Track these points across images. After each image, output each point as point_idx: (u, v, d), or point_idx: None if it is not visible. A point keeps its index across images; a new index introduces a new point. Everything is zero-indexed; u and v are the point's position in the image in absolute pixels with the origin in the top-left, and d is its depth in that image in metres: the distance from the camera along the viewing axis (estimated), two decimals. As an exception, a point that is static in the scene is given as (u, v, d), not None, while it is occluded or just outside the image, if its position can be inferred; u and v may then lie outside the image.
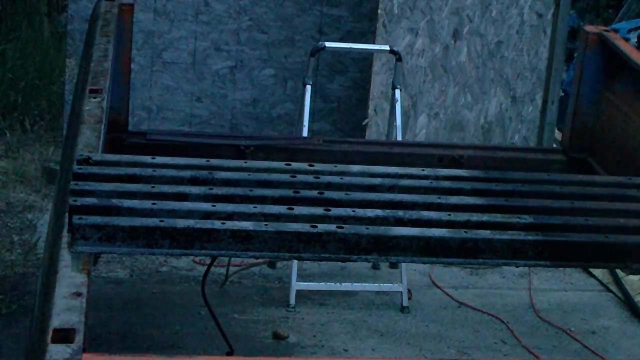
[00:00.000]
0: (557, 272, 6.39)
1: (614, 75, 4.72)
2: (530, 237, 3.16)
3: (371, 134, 6.40)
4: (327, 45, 5.99)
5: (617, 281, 6.15)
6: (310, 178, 3.45)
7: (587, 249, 3.21)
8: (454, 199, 3.39)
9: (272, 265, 6.14)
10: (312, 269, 6.11)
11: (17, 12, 9.78)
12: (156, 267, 6.02)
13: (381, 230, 3.10)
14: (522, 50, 7.07)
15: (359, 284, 5.87)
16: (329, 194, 3.34)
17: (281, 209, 3.16)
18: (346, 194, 3.35)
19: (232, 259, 5.75)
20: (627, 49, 4.64)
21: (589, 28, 4.86)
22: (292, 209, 3.17)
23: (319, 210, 3.18)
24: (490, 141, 7.01)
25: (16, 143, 7.73)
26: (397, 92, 5.88)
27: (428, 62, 6.62)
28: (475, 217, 3.25)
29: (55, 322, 2.45)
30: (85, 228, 2.91)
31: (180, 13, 6.98)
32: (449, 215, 3.24)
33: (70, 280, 2.68)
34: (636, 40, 10.13)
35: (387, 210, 3.24)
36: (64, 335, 2.40)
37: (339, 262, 5.88)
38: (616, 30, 7.90)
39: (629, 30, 10.28)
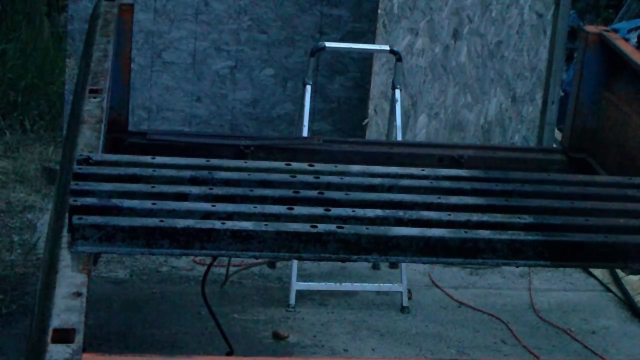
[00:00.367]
0: (557, 272, 6.39)
1: (614, 75, 4.72)
2: (530, 237, 3.16)
3: (371, 134, 6.40)
4: (327, 45, 5.99)
5: (617, 281, 6.15)
6: (310, 178, 3.45)
7: (587, 249, 3.21)
8: (454, 199, 3.39)
9: (272, 265, 6.14)
10: (312, 269, 6.11)
11: (17, 12, 9.78)
12: (156, 267, 6.02)
13: (381, 230, 3.10)
14: (522, 50, 7.07)
15: (359, 284, 5.87)
16: (329, 194, 3.34)
17: (281, 209, 3.16)
18: (346, 194, 3.35)
19: (232, 259, 5.75)
20: (627, 49, 4.64)
21: (589, 28, 4.86)
22: (292, 209, 3.17)
23: (319, 210, 3.18)
24: (490, 141, 7.01)
25: (16, 143, 7.73)
26: (397, 92, 5.88)
27: (428, 62, 6.63)
28: (475, 217, 3.25)
29: (55, 322, 2.45)
30: (85, 228, 2.91)
31: (180, 13, 6.98)
32: (449, 215, 3.24)
33: (70, 280, 2.68)
34: (636, 40, 10.13)
35: (387, 210, 3.24)
36: (64, 335, 2.40)
37: (339, 262, 5.89)
38: (616, 30, 7.91)
39: (629, 30, 10.28)
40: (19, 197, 6.86)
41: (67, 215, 2.98)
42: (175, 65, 7.05)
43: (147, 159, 3.51)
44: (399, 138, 5.82)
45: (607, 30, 4.84)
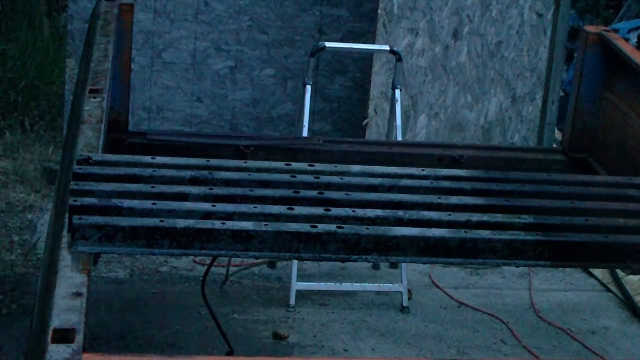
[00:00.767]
0: (557, 272, 6.39)
1: (614, 75, 4.72)
2: (530, 237, 3.16)
3: (371, 134, 6.40)
4: (327, 45, 5.99)
5: (617, 281, 6.15)
6: (310, 178, 3.45)
7: (587, 249, 3.21)
8: (454, 199, 3.39)
9: (272, 265, 6.14)
10: (312, 269, 6.11)
11: (17, 12, 9.78)
12: (156, 267, 6.02)
13: (381, 230, 3.10)
14: (522, 50, 7.07)
15: (359, 284, 5.87)
16: (329, 194, 3.34)
17: (281, 209, 3.16)
18: (346, 194, 3.35)
19: (232, 259, 5.75)
20: (627, 49, 4.64)
21: (589, 28, 4.86)
22: (292, 209, 3.17)
23: (319, 210, 3.18)
24: (490, 141, 7.01)
25: (16, 143, 7.73)
26: (397, 92, 5.88)
27: (428, 62, 6.63)
28: (475, 217, 3.25)
29: (55, 322, 2.45)
30: (85, 228, 2.91)
31: (180, 13, 6.98)
32: (449, 215, 3.24)
33: (70, 280, 2.68)
34: (636, 40, 10.14)
35: (387, 210, 3.24)
36: (64, 335, 2.40)
37: (339, 262, 5.89)
38: (616, 30, 7.91)
39: (629, 30, 10.28)
40: (19, 197, 6.86)
41: (67, 215, 2.98)
42: (175, 65, 7.05)
43: (147, 159, 3.51)
44: (399, 138, 5.82)
45: (607, 30, 4.84)
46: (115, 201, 3.07)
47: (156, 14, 6.95)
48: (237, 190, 3.28)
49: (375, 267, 6.25)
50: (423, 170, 3.66)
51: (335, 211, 3.19)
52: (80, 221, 2.92)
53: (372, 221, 3.17)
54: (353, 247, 3.06)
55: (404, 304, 5.73)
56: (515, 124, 7.18)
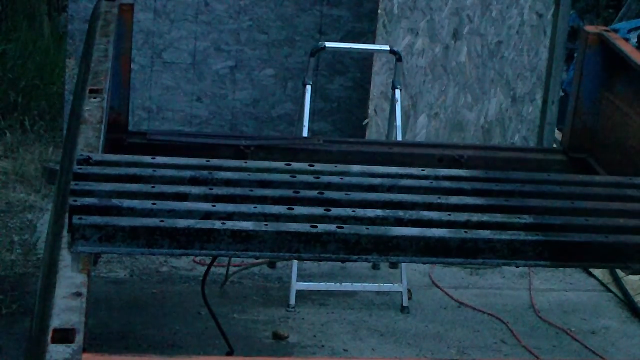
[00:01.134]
0: (557, 272, 6.39)
1: (614, 75, 4.72)
2: (530, 237, 3.16)
3: (371, 134, 6.40)
4: (327, 45, 5.99)
5: (617, 281, 6.15)
6: (310, 178, 3.45)
7: (587, 249, 3.21)
8: (454, 199, 3.39)
9: (272, 265, 6.14)
10: (312, 269, 6.11)
11: (17, 12, 9.78)
12: (156, 267, 6.02)
13: (381, 230, 3.10)
14: (522, 50, 7.07)
15: (359, 284, 5.87)
16: (329, 194, 3.34)
17: (281, 209, 3.16)
18: (346, 194, 3.35)
19: (232, 259, 5.75)
20: (627, 49, 4.64)
21: (589, 28, 4.86)
22: (292, 209, 3.17)
23: (319, 210, 3.18)
24: (490, 141, 7.01)
25: (16, 143, 7.73)
26: (397, 92, 5.88)
27: (428, 62, 6.63)
28: (475, 217, 3.25)
29: (55, 322, 2.45)
30: (85, 228, 2.91)
31: (180, 13, 6.98)
32: (449, 215, 3.24)
33: (70, 280, 2.68)
34: (636, 40, 10.14)
35: (387, 210, 3.24)
36: (64, 335, 2.40)
37: (339, 262, 5.89)
38: (616, 30, 7.91)
39: (629, 30, 10.29)
40: (19, 197, 6.86)
41: (67, 215, 2.98)
42: (175, 65, 7.05)
43: (147, 159, 3.51)
44: (399, 138, 5.82)
45: (607, 30, 4.84)
46: (115, 201, 3.07)
47: (156, 14, 6.96)
48: (237, 190, 3.29)
49: (375, 267, 6.25)
50: (423, 170, 3.66)
51: (335, 211, 3.19)
52: (80, 221, 2.92)
53: (372, 221, 3.17)
54: (353, 247, 3.06)
55: (404, 304, 5.73)
56: (515, 124, 7.18)
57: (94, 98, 3.78)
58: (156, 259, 6.04)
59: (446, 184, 3.55)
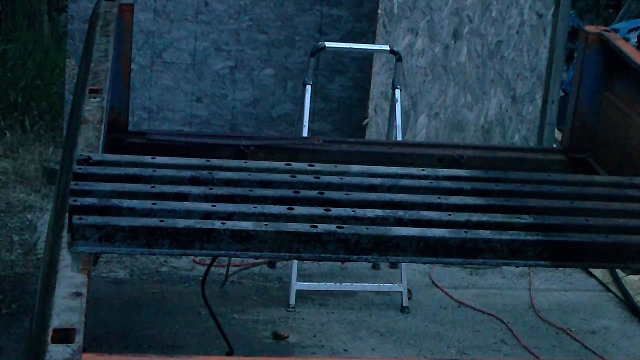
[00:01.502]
0: (557, 272, 6.39)
1: (614, 75, 4.72)
2: (530, 237, 3.16)
3: (371, 134, 6.40)
4: (327, 45, 5.99)
5: (617, 281, 6.15)
6: (310, 178, 3.45)
7: (587, 249, 3.21)
8: (454, 199, 3.39)
9: (272, 265, 6.14)
10: (312, 269, 6.11)
11: (17, 12, 9.78)
12: (156, 267, 6.02)
13: (381, 230, 3.10)
14: (522, 50, 7.07)
15: (359, 284, 5.87)
16: (329, 194, 3.34)
17: (281, 209, 3.16)
18: (346, 194, 3.35)
19: (232, 259, 5.75)
20: (627, 49, 4.64)
21: (589, 28, 4.85)
22: (292, 209, 3.17)
23: (319, 210, 3.18)
24: (490, 141, 7.01)
25: (16, 143, 7.73)
26: (397, 92, 5.88)
27: (428, 62, 6.63)
28: (475, 217, 3.24)
29: (55, 322, 2.45)
30: (85, 228, 2.91)
31: (180, 13, 6.98)
32: (449, 215, 3.24)
33: (70, 280, 2.68)
34: (636, 40, 10.14)
35: (387, 210, 3.24)
36: (64, 335, 2.40)
37: (339, 262, 5.90)
38: (616, 30, 7.91)
39: (629, 30, 10.29)
40: (19, 197, 6.86)
41: (67, 215, 2.98)
42: (175, 65, 7.05)
43: (147, 159, 3.51)
44: (399, 138, 5.82)
45: (607, 30, 4.84)
46: (115, 201, 3.07)
47: (156, 14, 6.96)
48: (237, 190, 3.28)
49: (375, 267, 6.25)
50: (423, 170, 3.66)
51: (335, 211, 3.19)
52: (80, 221, 2.92)
53: (372, 221, 3.17)
54: (353, 247, 3.06)
55: (404, 304, 5.73)
56: (515, 124, 7.18)
57: (94, 98, 3.78)
58: (156, 259, 6.04)
59: (446, 184, 3.55)
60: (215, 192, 3.24)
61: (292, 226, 3.06)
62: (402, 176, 3.57)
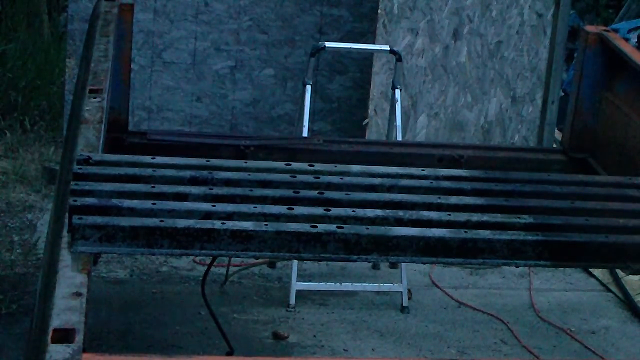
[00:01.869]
0: (557, 272, 6.39)
1: (614, 75, 4.72)
2: (530, 237, 3.16)
3: (371, 134, 6.40)
4: (327, 45, 5.99)
5: (617, 281, 6.15)
6: (310, 178, 3.45)
7: (587, 249, 3.21)
8: (454, 199, 3.39)
9: (272, 265, 6.14)
10: (312, 269, 6.11)
11: (17, 12, 9.78)
12: (156, 267, 6.02)
13: (381, 230, 3.10)
14: (522, 50, 7.07)
15: (359, 284, 5.87)
16: (329, 194, 3.34)
17: (281, 209, 3.16)
18: (346, 194, 3.35)
19: (232, 259, 5.75)
20: (627, 49, 4.64)
21: (589, 28, 4.86)
22: (292, 209, 3.17)
23: (319, 210, 3.18)
24: (490, 141, 7.01)
25: (16, 143, 7.73)
26: (397, 92, 5.88)
27: (428, 62, 6.63)
28: (475, 217, 3.25)
29: (55, 322, 2.45)
30: (85, 228, 2.91)
31: (180, 13, 6.98)
32: (449, 215, 3.24)
33: (70, 280, 2.68)
34: (636, 40, 10.14)
35: (387, 210, 3.24)
36: (64, 335, 2.40)
37: (339, 262, 5.90)
38: (616, 30, 7.91)
39: (629, 30, 10.29)
40: (19, 197, 6.86)
41: (67, 215, 2.98)
42: (175, 65, 7.05)
43: (147, 159, 3.51)
44: (399, 138, 5.82)
45: (607, 30, 4.84)
46: (115, 201, 3.07)
47: (156, 14, 6.95)
48: (237, 190, 3.29)
49: (375, 267, 6.25)
50: (423, 170, 3.66)
51: (335, 211, 3.19)
52: (80, 221, 2.92)
53: (372, 221, 3.17)
54: (353, 247, 3.06)
55: (404, 304, 5.73)
56: (515, 124, 7.18)
57: (94, 98, 3.78)
58: (156, 259, 6.04)
59: (446, 184, 3.55)
60: (215, 192, 3.25)
61: (292, 226, 3.06)
62: (402, 176, 3.57)
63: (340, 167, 3.60)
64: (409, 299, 5.78)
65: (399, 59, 5.92)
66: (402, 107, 6.00)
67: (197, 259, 6.05)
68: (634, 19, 11.20)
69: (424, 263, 3.45)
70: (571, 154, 4.86)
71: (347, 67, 7.16)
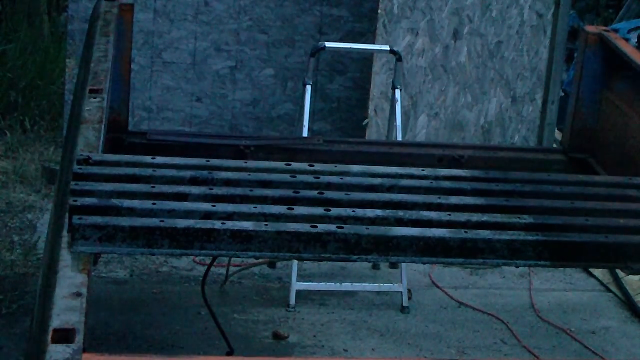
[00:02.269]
0: (557, 272, 6.39)
1: (614, 75, 4.72)
2: (530, 237, 3.16)
3: (371, 134, 6.40)
4: (327, 45, 5.99)
5: (617, 281, 6.15)
6: (310, 178, 3.45)
7: (587, 249, 3.21)
8: (454, 199, 3.39)
9: (272, 265, 6.14)
10: (312, 269, 6.11)
11: (17, 12, 9.78)
12: (156, 267, 6.02)
13: (381, 230, 3.10)
14: (522, 50, 7.07)
15: (359, 284, 5.87)
16: (329, 194, 3.34)
17: (281, 209, 3.16)
18: (346, 194, 3.35)
19: (232, 259, 5.75)
20: (627, 49, 4.64)
21: (589, 28, 4.86)
22: (292, 209, 3.17)
23: (319, 210, 3.18)
24: (490, 141, 7.01)
25: (16, 143, 7.73)
26: (397, 92, 5.88)
27: (428, 62, 6.63)
28: (475, 217, 3.25)
29: (55, 322, 2.45)
30: (85, 228, 2.91)
31: (180, 13, 6.98)
32: (449, 215, 3.24)
33: (70, 280, 2.68)
34: (636, 40, 10.14)
35: (387, 210, 3.24)
36: (64, 335, 2.40)
37: (339, 262, 5.90)
38: (616, 30, 7.91)
39: (629, 30, 10.28)
40: (19, 197, 6.86)
41: (67, 215, 2.98)
42: (175, 65, 7.05)
43: (147, 159, 3.51)
44: (399, 138, 5.82)
45: (607, 30, 4.84)
46: (115, 201, 3.07)
47: (156, 14, 6.96)
48: (237, 190, 3.29)
49: (375, 267, 6.25)
50: (423, 170, 3.66)
51: (335, 211, 3.19)
52: (80, 221, 2.92)
53: (372, 221, 3.17)
54: (353, 247, 3.06)
55: (404, 304, 5.73)
56: (515, 124, 7.18)
57: (94, 98, 3.78)
58: (156, 259, 6.04)
59: (446, 184, 3.55)
60: (215, 192, 3.25)
61: (292, 226, 3.06)
62: (402, 176, 3.57)
63: (340, 167, 3.60)
64: (409, 299, 5.78)
65: (399, 59, 5.92)
66: (402, 107, 6.00)
67: (197, 259, 6.05)
68: (634, 19, 11.20)
69: (424, 263, 3.44)
70: (571, 154, 4.86)
71: (347, 67, 7.16)
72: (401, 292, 5.74)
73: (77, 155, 3.39)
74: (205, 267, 5.04)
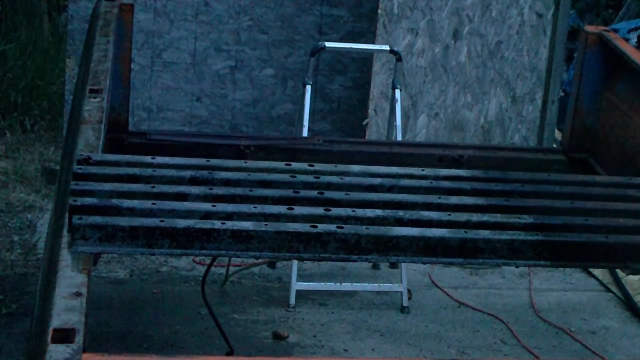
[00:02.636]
0: (557, 272, 6.39)
1: (614, 75, 4.72)
2: (530, 237, 3.16)
3: (371, 134, 6.40)
4: (327, 45, 5.99)
5: (617, 281, 6.15)
6: (310, 178, 3.45)
7: (587, 249, 3.21)
8: (454, 199, 3.39)
9: (272, 265, 6.14)
10: (312, 269, 6.11)
11: (17, 12, 9.78)
12: (156, 267, 6.02)
13: (381, 230, 3.10)
14: (522, 50, 7.07)
15: (359, 284, 5.87)
16: (329, 194, 3.34)
17: (281, 209, 3.16)
18: (346, 194, 3.35)
19: (232, 259, 5.75)
20: (627, 49, 4.64)
21: (589, 28, 4.86)
22: (292, 209, 3.17)
23: (319, 210, 3.18)
24: (490, 141, 7.01)
25: (16, 143, 7.73)
26: (397, 92, 5.88)
27: (428, 62, 6.63)
28: (475, 217, 3.25)
29: (55, 322, 2.45)
30: (85, 228, 2.91)
31: (180, 13, 6.98)
32: (449, 215, 3.24)
33: (70, 280, 2.68)
34: (636, 40, 10.14)
35: (387, 210, 3.24)
36: (64, 335, 2.40)
37: (339, 262, 5.90)
38: (616, 30, 7.91)
39: (629, 30, 10.28)
40: (19, 197, 6.86)
41: (67, 215, 2.98)
42: (175, 65, 7.05)
43: (147, 159, 3.51)
44: (399, 138, 5.82)
45: (607, 30, 4.84)
46: (115, 201, 3.07)
47: (156, 14, 6.95)
48: (237, 190, 3.29)
49: (375, 267, 6.25)
50: (423, 170, 3.66)
51: (335, 211, 3.19)
52: (80, 221, 2.92)
53: (372, 221, 3.17)
54: (353, 247, 3.06)
55: (404, 304, 5.73)
56: (515, 124, 7.18)
57: (94, 98, 3.78)
58: (156, 259, 6.04)
59: (446, 184, 3.55)
60: (215, 192, 3.25)
61: (292, 226, 3.06)
62: (402, 176, 3.58)
63: (340, 167, 3.60)
64: (409, 299, 5.78)
65: (399, 59, 5.92)
66: (402, 107, 6.00)
67: (197, 259, 6.05)
68: (634, 19, 11.20)
69: (424, 263, 3.44)
70: (571, 154, 4.86)
71: (347, 67, 7.16)
72: (401, 292, 5.74)
73: (77, 155, 3.39)
74: (205, 267, 5.04)
